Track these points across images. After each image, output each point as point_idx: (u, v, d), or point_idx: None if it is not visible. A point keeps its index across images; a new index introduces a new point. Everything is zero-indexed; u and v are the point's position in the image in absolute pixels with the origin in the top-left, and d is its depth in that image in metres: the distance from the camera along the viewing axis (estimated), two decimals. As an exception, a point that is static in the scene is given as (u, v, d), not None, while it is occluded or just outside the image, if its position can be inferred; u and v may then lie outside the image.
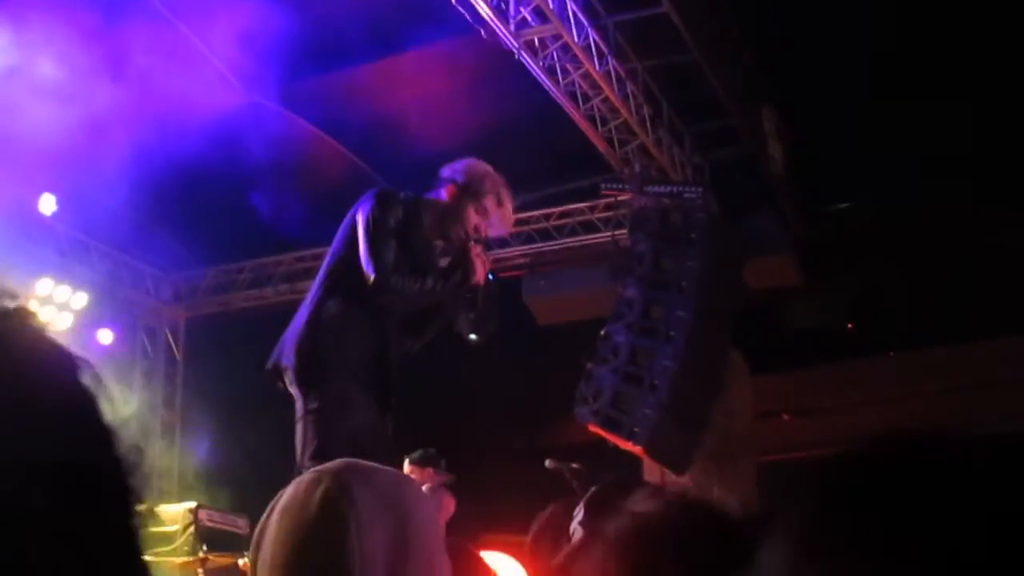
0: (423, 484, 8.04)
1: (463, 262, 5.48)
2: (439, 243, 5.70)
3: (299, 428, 5.14)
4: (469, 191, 5.52)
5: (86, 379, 1.07)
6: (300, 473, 4.89)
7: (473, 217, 5.51)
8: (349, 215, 5.48)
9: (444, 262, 5.71)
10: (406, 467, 8.07)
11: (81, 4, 7.94)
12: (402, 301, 5.41)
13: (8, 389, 0.98)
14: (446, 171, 5.60)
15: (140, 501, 1.07)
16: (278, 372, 5.34)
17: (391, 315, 5.44)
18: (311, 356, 5.23)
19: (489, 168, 5.62)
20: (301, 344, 5.26)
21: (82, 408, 1.04)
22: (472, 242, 5.51)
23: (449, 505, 7.93)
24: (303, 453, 5.06)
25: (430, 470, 8.17)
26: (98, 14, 8.02)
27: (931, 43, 8.91)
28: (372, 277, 5.22)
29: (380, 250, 5.26)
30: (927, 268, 11.39)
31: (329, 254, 5.56)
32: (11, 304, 1.04)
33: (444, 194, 5.54)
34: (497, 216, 5.60)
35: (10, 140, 8.43)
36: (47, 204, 10.08)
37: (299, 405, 5.20)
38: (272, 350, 5.42)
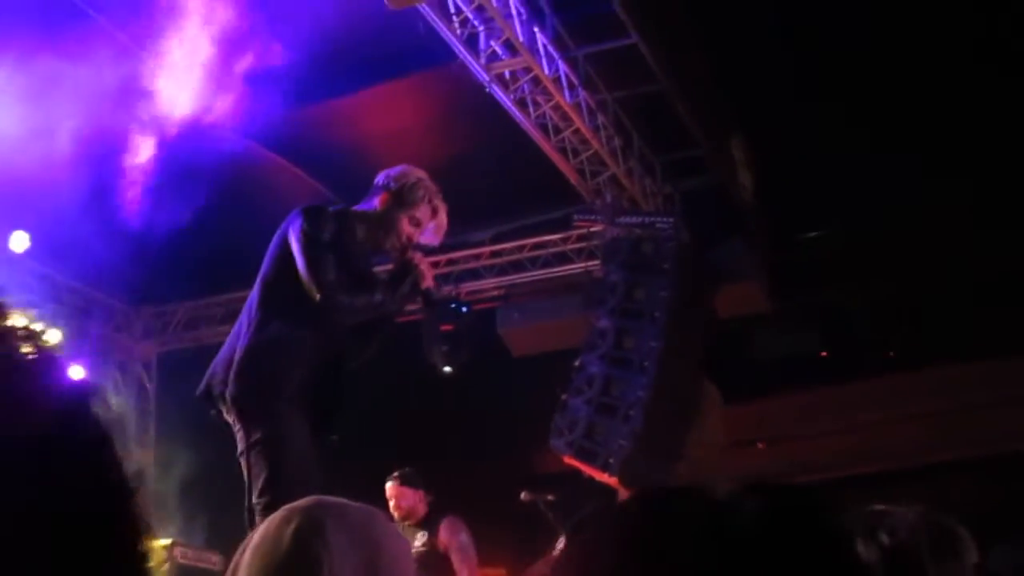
0: (415, 505, 7.97)
1: (408, 270, 5.30)
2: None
3: (243, 462, 5.02)
4: (402, 200, 5.28)
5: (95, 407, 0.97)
6: (251, 513, 4.82)
7: (406, 227, 5.30)
8: (277, 235, 5.27)
9: (382, 271, 5.61)
10: (392, 487, 7.96)
11: (47, 41, 7.87)
12: (350, 317, 5.26)
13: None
14: (380, 178, 5.42)
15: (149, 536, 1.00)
16: (211, 399, 5.21)
17: (332, 334, 5.31)
18: (253, 383, 5.08)
19: (423, 175, 5.40)
20: (241, 371, 5.08)
21: (95, 441, 0.95)
22: (411, 250, 5.33)
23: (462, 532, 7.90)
24: (251, 490, 4.94)
25: (422, 492, 8.09)
26: (68, 47, 7.96)
27: (898, 74, 8.96)
28: (317, 296, 5.04)
29: (320, 267, 5.05)
30: (894, 294, 11.42)
31: (259, 277, 5.38)
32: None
33: (376, 203, 5.33)
34: (431, 226, 5.39)
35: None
36: (19, 241, 10.01)
37: (240, 435, 5.03)
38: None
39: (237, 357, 5.14)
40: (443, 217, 5.42)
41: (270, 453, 4.97)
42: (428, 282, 5.35)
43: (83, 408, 0.94)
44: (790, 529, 0.96)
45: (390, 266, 5.49)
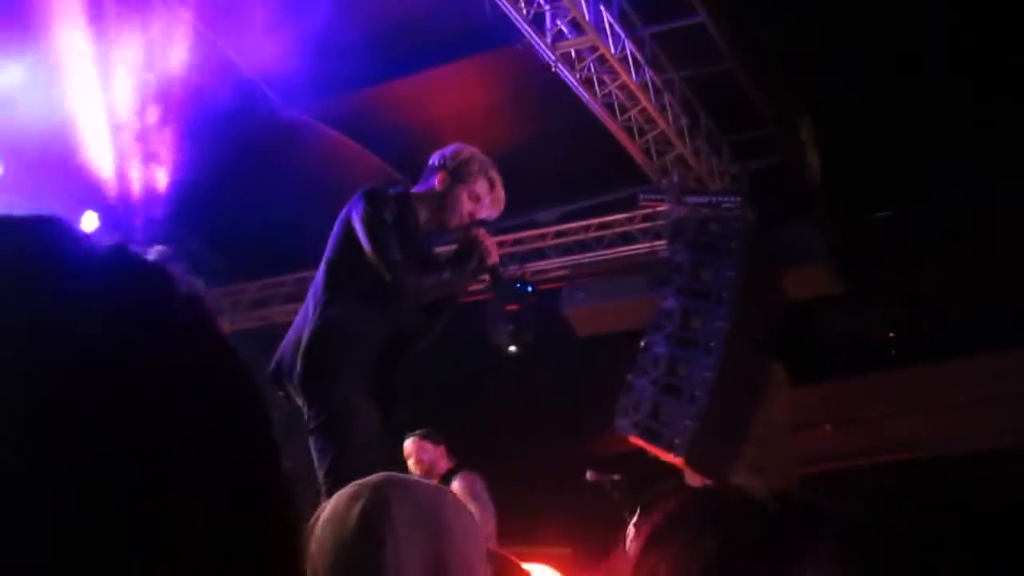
0: (436, 460, 7.95)
1: (474, 247, 5.31)
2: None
3: (312, 440, 5.07)
4: (459, 177, 5.34)
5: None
6: (320, 490, 4.86)
7: (467, 203, 5.34)
8: (340, 218, 5.32)
9: (445, 251, 5.62)
10: (412, 444, 7.93)
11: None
12: (418, 297, 5.26)
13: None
14: (435, 159, 5.44)
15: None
16: (279, 381, 5.26)
17: (398, 314, 5.33)
18: (319, 365, 5.13)
19: (476, 151, 5.44)
20: (308, 352, 5.14)
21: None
22: (474, 226, 5.35)
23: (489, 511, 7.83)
24: (320, 468, 4.99)
25: (443, 448, 8.08)
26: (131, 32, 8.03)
27: (971, 46, 8.83)
28: (387, 277, 5.08)
29: (386, 247, 5.10)
30: (963, 277, 11.28)
31: (324, 260, 5.42)
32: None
33: (435, 182, 5.36)
34: (489, 199, 5.41)
35: (57, 160, 8.47)
36: (89, 221, 10.16)
37: (308, 414, 5.12)
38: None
39: (304, 339, 5.19)
40: (500, 190, 5.43)
41: (336, 433, 5.02)
42: (494, 258, 5.36)
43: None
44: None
45: (454, 246, 5.50)
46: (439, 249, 5.78)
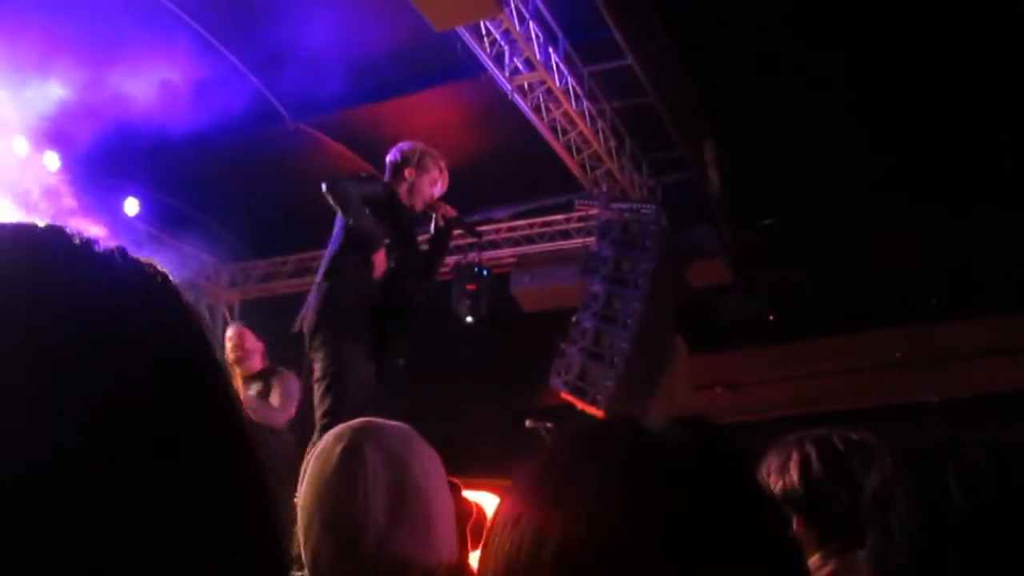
0: (255, 355, 7.22)
1: (447, 219, 5.57)
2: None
3: (316, 387, 5.08)
4: (420, 168, 5.48)
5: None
6: (316, 427, 4.86)
7: (428, 188, 5.50)
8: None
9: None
10: (235, 329, 7.43)
11: (131, 32, 7.80)
12: (416, 263, 5.44)
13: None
14: (396, 156, 5.56)
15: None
16: (300, 338, 5.29)
17: (394, 275, 5.34)
18: (321, 322, 5.13)
19: (422, 145, 5.62)
20: (313, 313, 5.18)
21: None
22: (439, 204, 5.56)
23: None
24: (318, 410, 4.99)
25: (262, 345, 7.45)
26: (149, 41, 7.88)
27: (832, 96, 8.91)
28: (379, 244, 5.21)
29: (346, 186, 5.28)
30: (830, 272, 11.40)
31: (333, 239, 5.43)
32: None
33: (406, 175, 5.48)
34: (441, 181, 5.58)
35: (103, 149, 8.32)
36: (131, 206, 10.03)
37: (315, 367, 5.11)
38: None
39: (311, 302, 5.20)
40: (446, 173, 5.60)
41: (336, 381, 5.01)
42: (454, 213, 5.61)
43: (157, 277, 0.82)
44: (708, 453, 0.94)
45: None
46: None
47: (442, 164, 5.59)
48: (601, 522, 0.86)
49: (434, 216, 5.61)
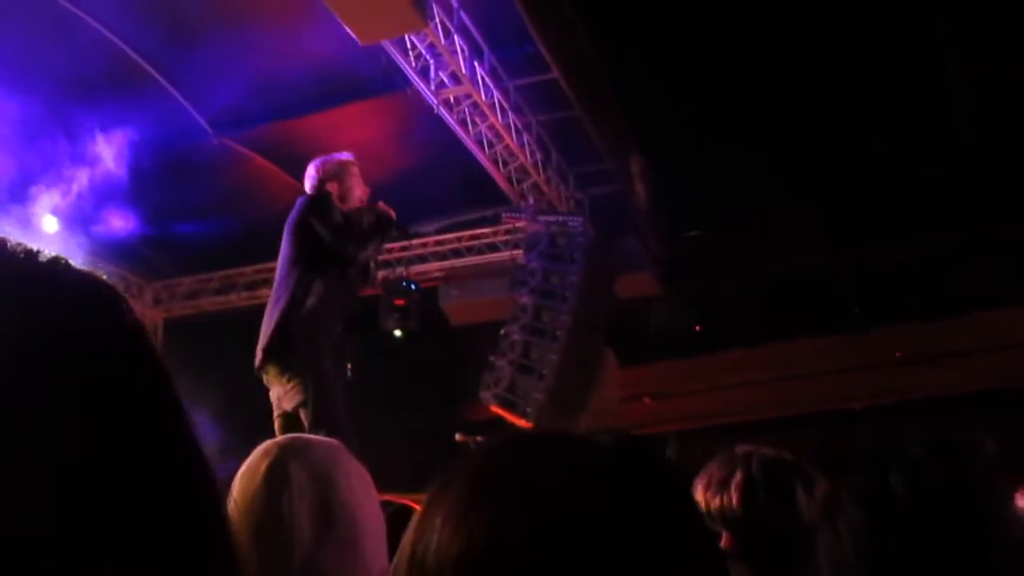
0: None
1: (383, 215, 5.74)
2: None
3: (304, 411, 5.04)
4: (342, 176, 5.69)
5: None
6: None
7: (357, 191, 5.72)
8: (291, 222, 5.57)
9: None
10: None
11: (39, 34, 7.64)
12: (361, 258, 5.60)
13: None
14: (318, 171, 5.76)
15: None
16: (262, 366, 5.25)
17: (347, 287, 5.51)
18: (301, 344, 5.16)
19: (337, 156, 5.86)
20: (291, 335, 5.19)
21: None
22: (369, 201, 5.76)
23: None
24: (310, 425, 4.96)
25: None
26: (63, 48, 7.74)
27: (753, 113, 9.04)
28: (347, 252, 5.44)
29: (340, 232, 5.44)
30: (756, 282, 11.56)
31: (284, 257, 5.51)
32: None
33: (333, 187, 5.65)
34: (358, 172, 5.81)
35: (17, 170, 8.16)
36: (50, 224, 9.81)
37: (295, 389, 5.10)
38: (253, 350, 5.33)
39: (282, 325, 5.17)
40: (357, 163, 5.89)
41: (319, 392, 5.03)
42: (393, 215, 5.83)
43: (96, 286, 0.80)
44: (633, 460, 0.93)
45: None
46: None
47: (356, 166, 5.85)
48: (498, 529, 0.86)
49: (376, 214, 5.76)
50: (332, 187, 5.65)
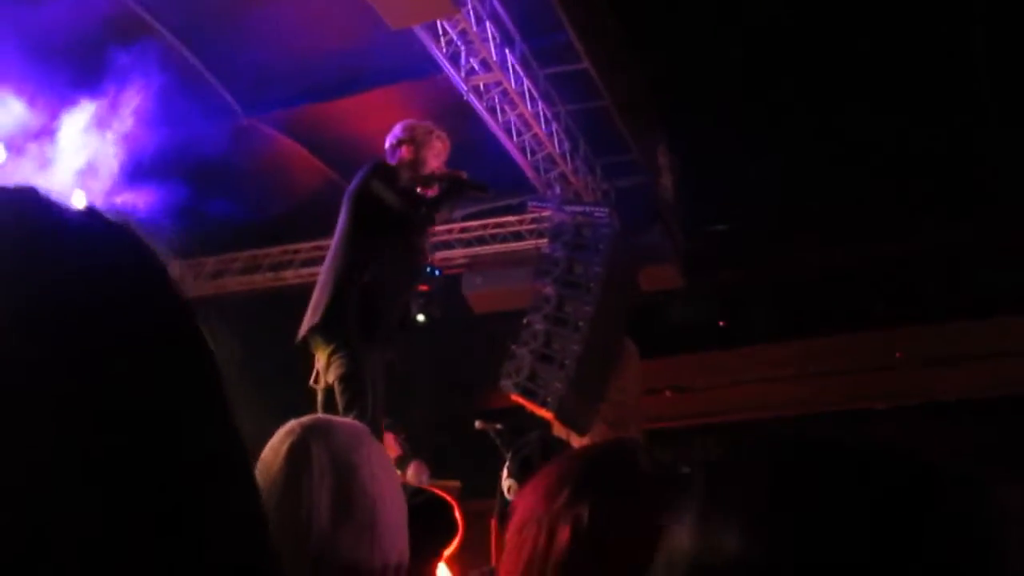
0: (391, 447, 7.67)
1: (451, 179, 5.43)
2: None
3: (336, 387, 4.94)
4: (420, 143, 5.43)
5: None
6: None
7: (432, 160, 5.44)
8: (348, 190, 5.33)
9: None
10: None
11: (78, 23, 7.65)
12: (431, 214, 5.36)
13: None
14: (397, 133, 5.51)
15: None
16: (306, 340, 5.13)
17: (401, 274, 5.28)
18: (340, 323, 4.99)
19: (423, 123, 5.58)
20: (332, 312, 5.00)
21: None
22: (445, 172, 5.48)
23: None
24: (344, 409, 4.82)
25: (392, 435, 7.94)
26: (99, 32, 7.74)
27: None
28: (413, 209, 5.19)
29: (402, 194, 5.19)
30: (780, 277, 11.51)
31: (338, 227, 5.28)
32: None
33: (404, 152, 5.42)
34: (442, 149, 5.52)
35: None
36: (79, 200, 9.88)
37: (334, 366, 4.95)
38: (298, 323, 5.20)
39: (334, 297, 5.05)
40: (447, 146, 5.54)
41: (352, 377, 4.91)
42: (463, 175, 5.48)
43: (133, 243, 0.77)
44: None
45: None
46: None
47: (440, 134, 5.57)
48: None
49: (442, 182, 5.49)
50: (406, 150, 5.37)
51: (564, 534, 1.26)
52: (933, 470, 0.85)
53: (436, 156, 5.47)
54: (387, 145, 5.51)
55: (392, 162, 5.44)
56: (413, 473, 7.65)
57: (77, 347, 0.66)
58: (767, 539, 0.80)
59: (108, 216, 0.77)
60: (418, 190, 5.38)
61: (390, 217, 5.15)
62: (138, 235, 0.77)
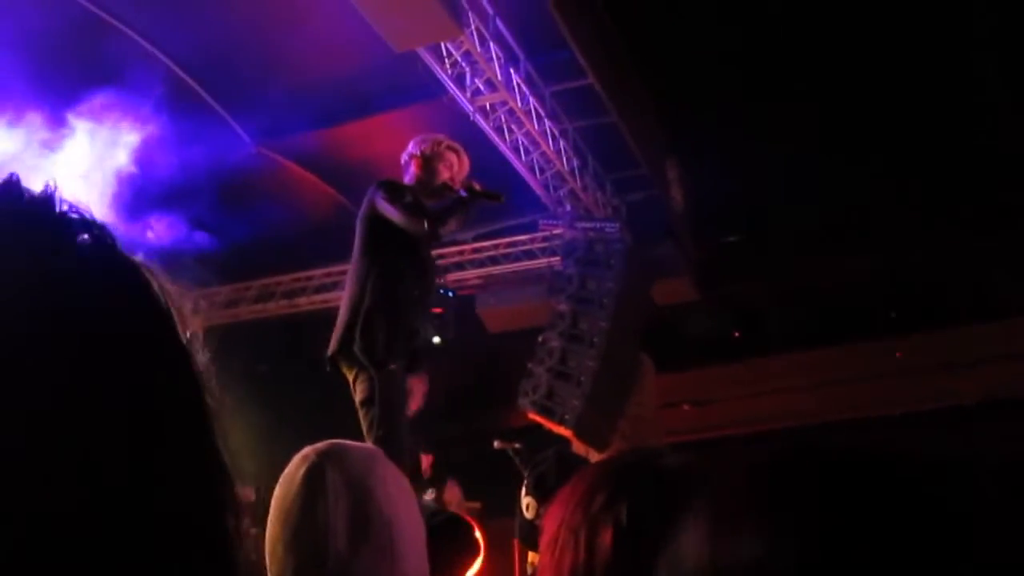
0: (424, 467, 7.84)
1: (463, 195, 5.35)
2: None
3: (364, 412, 4.95)
4: (431, 156, 5.41)
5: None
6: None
7: (443, 171, 5.41)
8: (361, 216, 5.31)
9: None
10: None
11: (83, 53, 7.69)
12: (438, 228, 5.25)
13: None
14: (404, 156, 5.52)
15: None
16: (332, 360, 5.13)
17: (420, 293, 5.26)
18: (365, 343, 4.98)
19: (435, 136, 5.55)
20: (357, 332, 5.01)
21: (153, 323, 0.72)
22: (458, 188, 5.38)
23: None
24: (369, 437, 4.83)
25: (428, 456, 7.99)
26: (103, 61, 7.78)
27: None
28: (424, 227, 5.12)
29: (409, 212, 5.13)
30: (794, 288, 11.47)
31: (357, 252, 5.27)
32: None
33: (414, 167, 5.42)
34: (458, 164, 5.49)
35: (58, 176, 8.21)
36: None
37: (359, 388, 4.96)
38: (327, 343, 5.19)
39: (351, 321, 5.04)
40: (464, 157, 5.50)
41: (381, 399, 4.90)
42: (476, 185, 5.39)
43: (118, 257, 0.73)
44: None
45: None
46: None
47: (456, 147, 5.53)
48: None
49: (450, 195, 5.42)
50: (416, 165, 5.38)
51: (606, 537, 1.27)
52: (935, 472, 0.85)
53: (448, 167, 5.44)
54: (401, 162, 5.54)
55: (406, 179, 5.46)
56: (451, 491, 7.70)
57: (48, 348, 0.64)
58: (771, 543, 0.80)
59: (76, 214, 0.72)
60: (427, 203, 5.35)
61: (400, 236, 5.15)
62: (126, 259, 0.75)
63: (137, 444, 0.65)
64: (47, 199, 0.72)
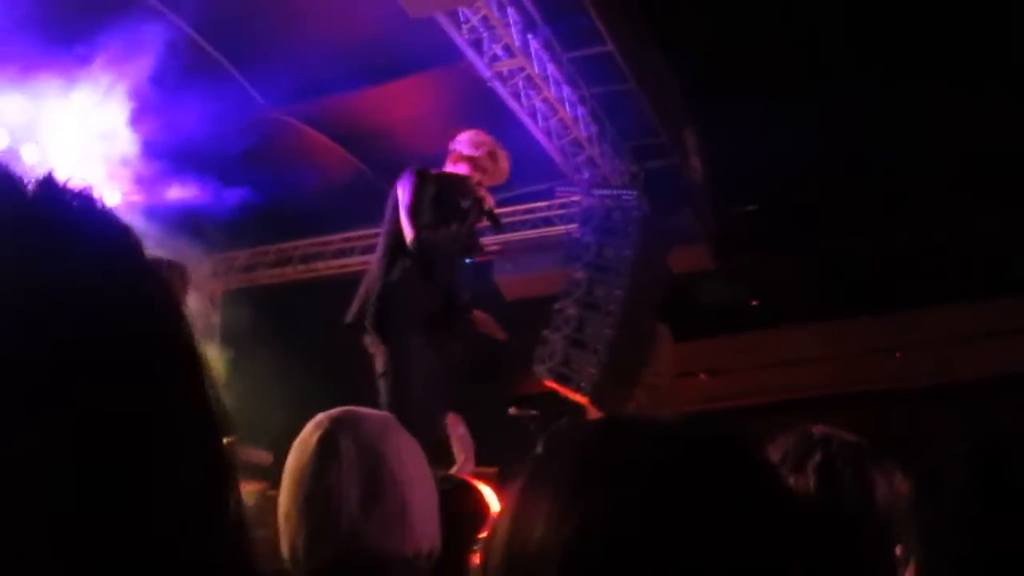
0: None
1: (476, 199, 5.50)
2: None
3: (380, 380, 5.07)
4: (466, 155, 5.55)
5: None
6: None
7: (475, 175, 5.53)
8: (392, 192, 5.46)
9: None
10: None
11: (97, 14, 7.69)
12: (439, 248, 5.37)
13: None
14: (460, 146, 5.65)
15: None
16: (353, 328, 5.27)
17: (446, 269, 5.41)
18: (384, 316, 5.14)
19: (481, 135, 5.68)
20: (375, 306, 5.16)
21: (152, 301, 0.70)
22: (479, 190, 5.52)
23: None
24: (385, 405, 4.93)
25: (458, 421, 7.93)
26: (116, 24, 7.78)
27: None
28: (411, 235, 5.23)
29: (416, 213, 5.26)
30: (811, 258, 11.43)
31: (383, 228, 5.47)
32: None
33: (449, 162, 5.58)
34: (492, 170, 5.62)
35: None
36: (112, 196, 9.93)
37: (377, 360, 5.11)
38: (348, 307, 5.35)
39: (373, 295, 5.16)
40: (502, 162, 5.63)
41: (396, 379, 5.06)
42: (490, 203, 5.58)
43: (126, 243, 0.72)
44: (718, 456, 0.89)
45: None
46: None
47: (499, 155, 5.69)
48: (613, 518, 0.84)
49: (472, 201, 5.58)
50: (455, 160, 5.60)
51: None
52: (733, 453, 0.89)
53: (480, 171, 5.61)
54: (450, 147, 5.63)
55: (447, 164, 5.58)
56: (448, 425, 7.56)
57: (42, 328, 0.62)
58: (559, 524, 0.84)
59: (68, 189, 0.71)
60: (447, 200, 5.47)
61: (424, 216, 5.30)
62: (124, 231, 0.73)
63: (134, 419, 0.64)
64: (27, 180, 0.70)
